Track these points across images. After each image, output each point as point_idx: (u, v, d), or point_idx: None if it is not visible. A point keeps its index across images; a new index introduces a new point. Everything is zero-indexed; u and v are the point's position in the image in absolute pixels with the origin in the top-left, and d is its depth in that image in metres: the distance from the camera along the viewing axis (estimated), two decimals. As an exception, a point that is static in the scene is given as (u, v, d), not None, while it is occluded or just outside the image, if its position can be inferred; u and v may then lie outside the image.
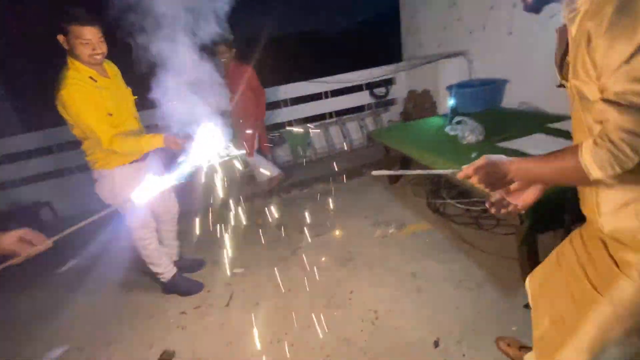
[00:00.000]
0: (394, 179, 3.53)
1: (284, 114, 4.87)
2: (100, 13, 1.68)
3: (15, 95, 5.32)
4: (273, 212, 3.37)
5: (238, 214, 3.34)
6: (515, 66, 3.41)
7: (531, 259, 1.84)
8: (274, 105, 4.81)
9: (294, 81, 4.82)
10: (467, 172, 0.89)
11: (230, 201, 3.27)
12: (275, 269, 2.43)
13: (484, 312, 1.77)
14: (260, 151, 3.92)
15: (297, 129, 4.81)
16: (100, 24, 1.77)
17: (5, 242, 1.00)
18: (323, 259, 2.48)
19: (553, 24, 0.89)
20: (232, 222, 3.22)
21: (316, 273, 2.32)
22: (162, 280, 2.31)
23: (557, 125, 2.60)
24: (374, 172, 1.04)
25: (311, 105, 5.01)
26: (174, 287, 2.33)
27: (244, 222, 3.20)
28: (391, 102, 5.28)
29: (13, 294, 2.61)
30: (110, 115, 1.86)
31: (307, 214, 3.18)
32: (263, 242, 2.82)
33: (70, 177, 4.25)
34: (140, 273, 2.54)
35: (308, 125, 4.93)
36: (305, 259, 2.51)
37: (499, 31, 3.48)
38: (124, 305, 2.34)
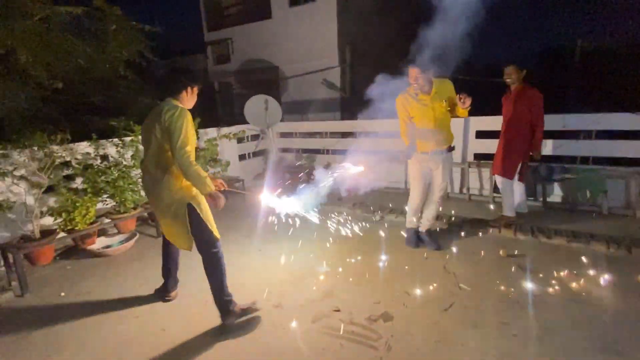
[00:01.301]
0: None
1: (580, 147, 4.03)
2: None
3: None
4: (520, 249, 3.05)
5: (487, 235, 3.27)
6: None
7: None
8: (570, 134, 4.08)
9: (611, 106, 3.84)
10: None
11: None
12: (504, 306, 2.28)
13: None
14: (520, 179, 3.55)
15: (593, 168, 3.86)
16: (417, 69, 2.69)
17: (216, 182, 2.28)
18: (568, 335, 2.05)
19: None
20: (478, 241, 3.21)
21: (553, 336, 1.98)
22: (408, 226, 3.21)
23: None
24: None
25: (629, 144, 3.83)
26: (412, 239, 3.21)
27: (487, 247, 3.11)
28: None
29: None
30: (412, 118, 2.88)
31: (564, 269, 2.66)
32: (497, 271, 2.67)
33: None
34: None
35: (610, 168, 3.84)
36: (543, 317, 2.17)
37: None
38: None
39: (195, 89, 2.23)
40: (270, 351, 2.00)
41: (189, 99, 2.21)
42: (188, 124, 1.99)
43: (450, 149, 2.95)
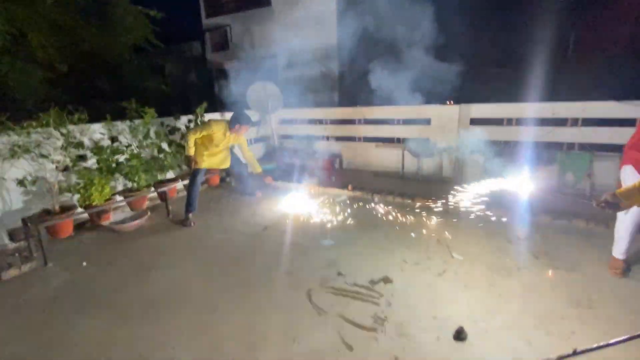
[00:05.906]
0: None
1: (571, 134, 4.29)
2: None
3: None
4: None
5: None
6: None
7: None
8: (560, 121, 4.34)
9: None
10: None
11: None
12: (492, 272, 2.55)
13: None
14: None
15: (578, 153, 4.14)
16: None
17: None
18: (547, 294, 2.32)
19: None
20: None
21: (534, 294, 2.25)
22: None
23: None
24: None
25: (612, 131, 4.10)
26: None
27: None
28: None
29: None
30: None
31: (553, 245, 2.92)
32: (486, 242, 2.94)
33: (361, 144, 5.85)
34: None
35: (594, 151, 4.11)
36: (528, 281, 2.44)
37: None
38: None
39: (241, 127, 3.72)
40: (283, 308, 2.23)
41: (237, 130, 3.70)
42: (201, 127, 3.58)
43: None
